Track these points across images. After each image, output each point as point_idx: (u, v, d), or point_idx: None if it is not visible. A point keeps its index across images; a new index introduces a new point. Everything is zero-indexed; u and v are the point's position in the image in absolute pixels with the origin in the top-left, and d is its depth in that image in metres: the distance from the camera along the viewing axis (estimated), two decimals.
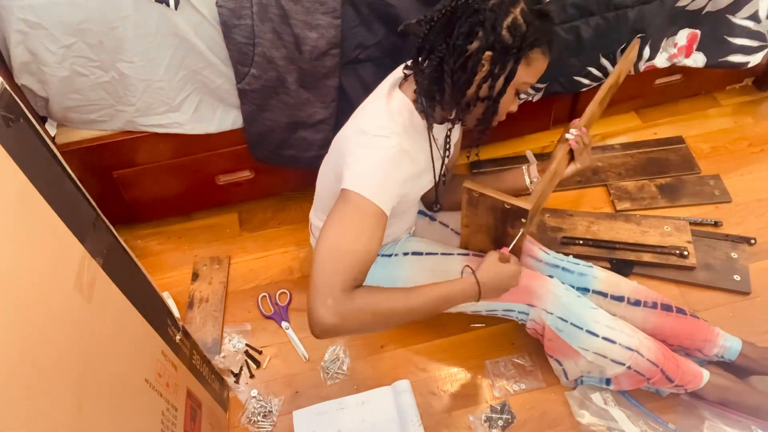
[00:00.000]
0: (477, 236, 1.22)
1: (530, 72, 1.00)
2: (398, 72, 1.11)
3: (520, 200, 1.07)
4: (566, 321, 1.17)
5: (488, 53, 0.95)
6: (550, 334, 1.20)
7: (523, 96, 1.05)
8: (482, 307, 1.25)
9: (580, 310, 1.18)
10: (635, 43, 1.46)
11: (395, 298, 0.98)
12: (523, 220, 1.09)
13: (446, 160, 1.19)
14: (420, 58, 1.01)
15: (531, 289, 1.20)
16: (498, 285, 1.08)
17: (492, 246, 1.23)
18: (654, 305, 1.25)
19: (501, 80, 0.98)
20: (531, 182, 1.27)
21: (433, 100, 1.01)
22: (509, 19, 0.94)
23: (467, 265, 1.12)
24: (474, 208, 1.14)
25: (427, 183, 1.16)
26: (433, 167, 1.14)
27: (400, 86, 1.07)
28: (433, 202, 1.29)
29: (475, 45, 0.95)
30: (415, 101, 1.02)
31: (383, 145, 0.99)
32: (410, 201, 1.17)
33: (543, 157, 1.66)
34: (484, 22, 0.93)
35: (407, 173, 1.03)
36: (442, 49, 0.96)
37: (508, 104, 1.04)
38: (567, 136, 1.19)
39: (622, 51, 1.52)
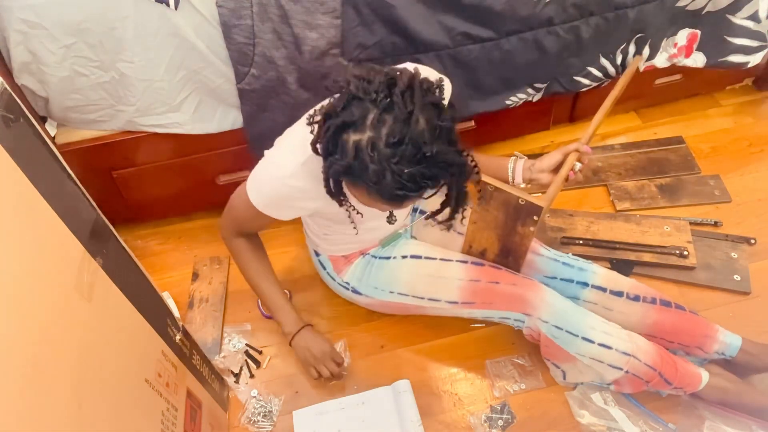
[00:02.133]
0: (483, 233, 1.22)
1: (357, 196, 0.94)
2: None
3: (534, 198, 1.08)
4: (561, 329, 1.18)
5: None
6: (545, 340, 1.21)
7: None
8: (479, 314, 1.27)
9: (575, 318, 1.18)
10: (636, 60, 1.47)
11: (250, 266, 1.28)
12: (536, 218, 1.10)
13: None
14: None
15: (526, 299, 1.20)
16: (306, 352, 1.29)
17: (497, 244, 1.23)
18: (653, 301, 1.25)
19: (331, 182, 0.94)
20: (513, 178, 1.26)
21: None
22: (343, 136, 0.86)
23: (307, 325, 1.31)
24: (486, 201, 1.13)
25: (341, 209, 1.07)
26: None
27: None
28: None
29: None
30: None
31: (271, 174, 1.06)
32: (345, 216, 1.10)
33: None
34: (332, 119, 0.88)
35: (300, 200, 1.06)
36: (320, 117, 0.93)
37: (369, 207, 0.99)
38: (580, 146, 1.20)
39: (623, 51, 1.53)
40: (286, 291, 1.52)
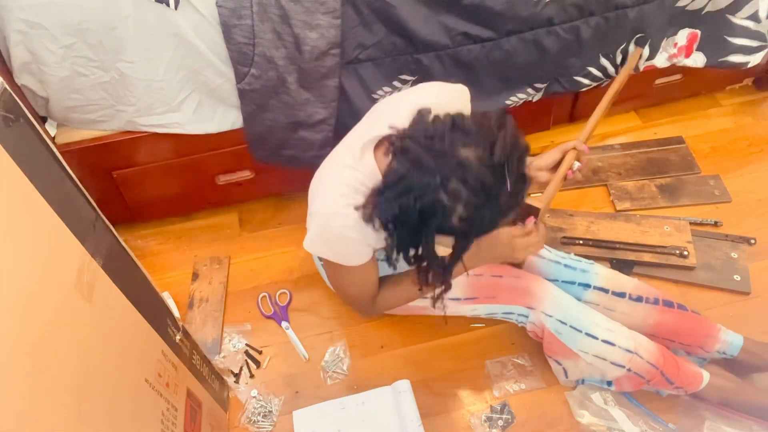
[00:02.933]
0: None
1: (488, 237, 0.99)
2: (374, 127, 1.05)
3: (532, 199, 1.08)
4: (565, 324, 1.17)
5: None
6: (549, 336, 1.20)
7: None
8: (482, 311, 1.26)
9: (579, 313, 1.18)
10: (637, 52, 1.46)
11: (401, 291, 1.22)
12: (534, 220, 1.10)
13: None
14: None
15: (531, 292, 1.20)
16: (490, 248, 1.14)
17: None
18: (656, 301, 1.25)
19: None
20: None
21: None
22: (448, 223, 0.89)
23: None
24: None
25: None
26: None
27: (375, 148, 1.04)
28: None
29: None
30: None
31: (339, 225, 1.02)
32: None
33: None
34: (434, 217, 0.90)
35: (373, 240, 1.04)
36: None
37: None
38: (578, 145, 1.19)
39: (623, 51, 1.52)
40: (286, 291, 1.53)
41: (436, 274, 1.04)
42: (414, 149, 0.89)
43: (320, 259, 1.21)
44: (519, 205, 0.95)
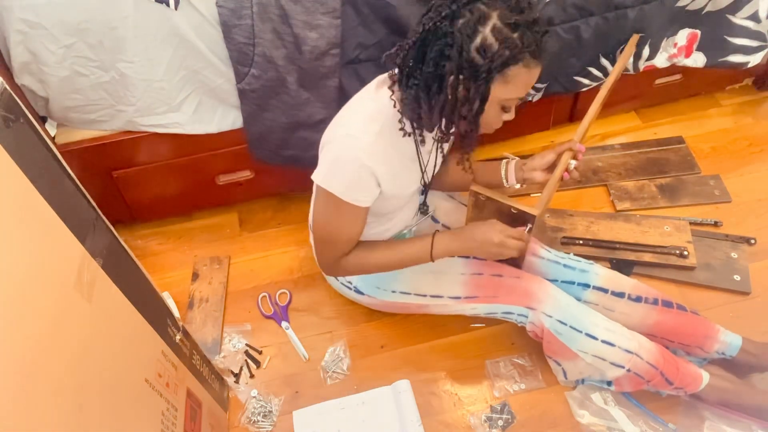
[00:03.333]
0: None
1: (511, 89, 0.95)
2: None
3: (527, 205, 1.07)
4: (565, 324, 1.17)
5: (460, 76, 0.92)
6: (549, 336, 1.20)
7: (508, 110, 1.02)
8: (481, 310, 1.26)
9: (579, 314, 1.18)
10: (634, 39, 1.45)
11: (378, 258, 1.17)
12: (530, 226, 1.09)
13: (437, 167, 1.19)
14: (402, 82, 0.99)
15: (531, 292, 1.20)
16: (473, 239, 1.13)
17: None
18: (655, 301, 1.25)
19: (476, 101, 0.95)
20: (507, 180, 1.26)
21: (417, 119, 1.01)
22: (478, 40, 0.89)
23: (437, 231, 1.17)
24: (480, 210, 1.13)
25: (408, 182, 1.14)
26: (421, 169, 1.14)
27: (390, 86, 1.04)
28: (422, 203, 1.28)
29: (447, 68, 0.92)
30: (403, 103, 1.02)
31: (352, 146, 1.01)
32: (398, 200, 1.16)
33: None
34: (453, 45, 0.90)
35: (377, 172, 1.03)
36: (417, 75, 0.94)
37: (493, 119, 1.01)
38: (573, 145, 1.19)
39: (622, 51, 1.52)
40: (286, 291, 1.53)
41: (465, 131, 1.01)
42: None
43: (316, 192, 1.13)
44: (542, 50, 0.93)
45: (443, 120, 1.00)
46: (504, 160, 1.26)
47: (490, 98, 0.94)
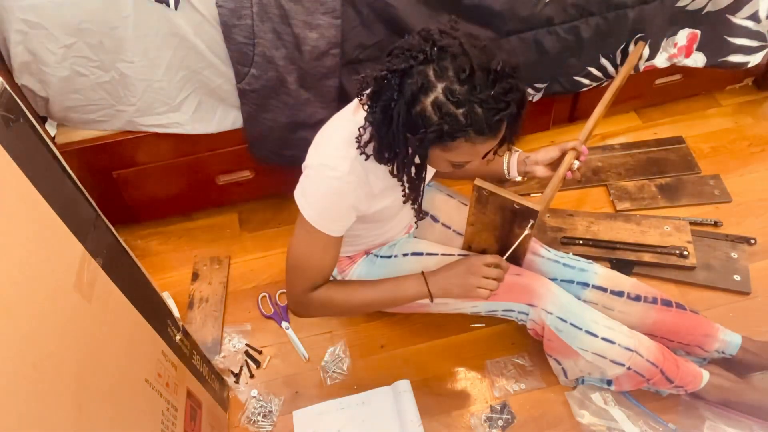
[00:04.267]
0: (482, 235, 1.22)
1: (455, 155, 0.92)
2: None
3: (530, 201, 1.07)
4: (566, 321, 1.17)
5: (402, 129, 0.89)
6: (549, 334, 1.20)
7: (460, 167, 0.99)
8: (482, 308, 1.26)
9: (580, 311, 1.18)
10: (640, 46, 1.46)
11: (349, 294, 1.16)
12: (532, 221, 1.09)
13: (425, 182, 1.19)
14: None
15: (531, 289, 1.20)
16: (450, 285, 1.14)
17: (496, 245, 1.23)
18: (654, 300, 1.25)
19: (414, 157, 0.93)
20: (508, 171, 1.26)
21: (375, 153, 0.98)
22: (418, 108, 0.86)
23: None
24: (482, 206, 1.13)
25: (392, 200, 1.11)
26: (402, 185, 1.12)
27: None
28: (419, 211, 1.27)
29: (393, 116, 0.89)
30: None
31: (326, 176, 1.00)
32: (386, 213, 1.14)
33: None
34: (398, 101, 0.87)
35: (356, 199, 1.03)
36: (374, 112, 0.92)
37: (447, 170, 0.99)
38: (578, 145, 1.19)
39: (623, 51, 1.52)
40: (285, 291, 1.52)
41: (410, 180, 1.01)
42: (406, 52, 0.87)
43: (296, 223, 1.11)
44: (496, 127, 0.87)
45: (392, 161, 0.98)
46: (506, 152, 1.26)
47: (435, 157, 0.93)
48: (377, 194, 1.06)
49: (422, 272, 1.16)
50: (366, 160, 1.00)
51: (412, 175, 1.00)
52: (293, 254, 1.11)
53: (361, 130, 0.98)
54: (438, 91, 0.85)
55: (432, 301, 1.16)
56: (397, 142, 0.92)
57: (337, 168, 0.99)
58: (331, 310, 1.22)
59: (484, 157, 0.95)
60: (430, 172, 1.21)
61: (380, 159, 0.98)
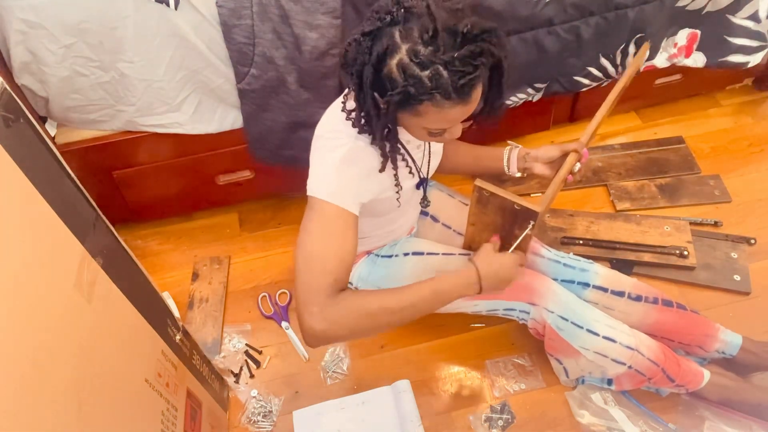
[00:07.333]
0: (482, 235, 1.22)
1: (425, 121, 0.90)
2: None
3: (530, 202, 1.07)
4: (567, 320, 1.17)
5: (372, 92, 0.88)
6: (550, 333, 1.20)
7: (436, 134, 0.96)
8: (483, 306, 1.25)
9: (581, 309, 1.18)
10: (644, 49, 1.46)
11: (385, 296, 0.97)
12: (532, 222, 1.09)
13: (431, 163, 1.18)
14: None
15: (533, 288, 1.20)
16: (498, 276, 1.06)
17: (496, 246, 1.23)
18: (655, 300, 1.25)
19: (385, 122, 0.92)
20: (508, 167, 1.26)
21: (358, 123, 0.97)
22: (385, 70, 0.85)
23: (469, 258, 1.11)
24: (483, 206, 1.13)
25: (389, 184, 1.09)
26: (414, 166, 1.13)
27: None
28: (422, 198, 1.27)
29: (364, 80, 0.88)
30: None
31: (334, 146, 0.99)
32: (392, 201, 1.13)
33: None
34: (367, 64, 0.87)
35: (364, 169, 1.00)
36: (353, 78, 0.91)
37: (423, 138, 0.98)
38: (580, 147, 1.18)
39: (623, 51, 1.52)
40: (286, 291, 1.53)
41: (391, 148, 0.98)
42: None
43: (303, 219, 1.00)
44: (463, 92, 0.84)
45: (369, 128, 0.96)
46: (507, 147, 1.26)
47: (409, 123, 0.93)
48: (377, 168, 1.04)
49: (473, 267, 1.05)
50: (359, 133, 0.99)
51: (385, 140, 0.96)
52: (307, 248, 0.94)
53: (345, 98, 0.98)
54: (402, 52, 0.84)
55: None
56: (368, 105, 0.91)
57: (341, 138, 0.99)
58: (361, 323, 0.94)
59: (463, 122, 0.93)
60: (433, 165, 1.21)
61: (360, 127, 0.97)
